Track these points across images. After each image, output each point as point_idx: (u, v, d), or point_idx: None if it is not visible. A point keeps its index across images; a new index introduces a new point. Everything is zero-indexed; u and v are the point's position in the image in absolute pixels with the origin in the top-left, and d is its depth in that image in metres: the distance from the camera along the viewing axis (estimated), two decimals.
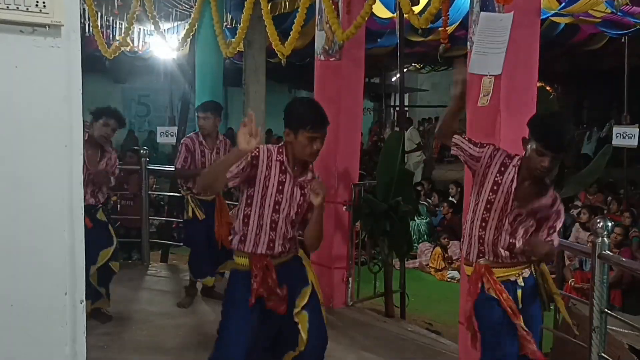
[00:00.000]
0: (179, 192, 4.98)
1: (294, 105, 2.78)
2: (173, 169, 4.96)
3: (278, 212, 2.68)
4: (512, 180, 2.63)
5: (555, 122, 2.57)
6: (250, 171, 2.63)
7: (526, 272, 2.75)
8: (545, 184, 2.66)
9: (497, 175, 2.65)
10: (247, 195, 2.70)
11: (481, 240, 2.71)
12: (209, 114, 4.57)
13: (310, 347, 2.71)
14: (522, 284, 2.72)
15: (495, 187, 2.65)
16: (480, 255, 2.73)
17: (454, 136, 2.80)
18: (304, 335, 2.69)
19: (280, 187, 2.67)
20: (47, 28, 1.83)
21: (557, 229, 2.69)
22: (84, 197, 4.12)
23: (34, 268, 1.92)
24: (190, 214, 4.60)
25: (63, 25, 1.85)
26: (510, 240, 2.67)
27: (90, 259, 4.03)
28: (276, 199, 2.67)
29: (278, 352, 2.77)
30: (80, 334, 2.01)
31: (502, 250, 2.68)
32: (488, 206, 2.67)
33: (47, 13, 1.80)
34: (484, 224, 2.69)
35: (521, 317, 2.67)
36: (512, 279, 2.71)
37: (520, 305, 2.68)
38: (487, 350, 2.71)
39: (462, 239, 2.88)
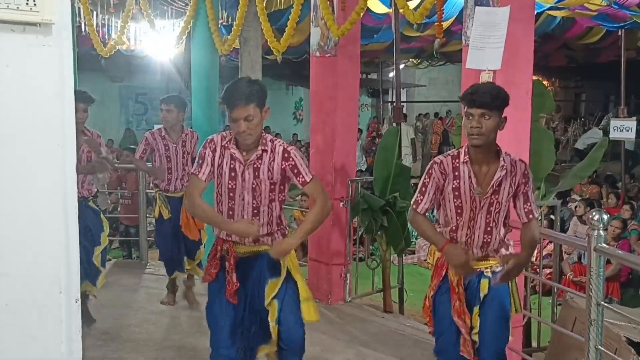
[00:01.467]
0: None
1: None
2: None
3: (233, 199, 2.65)
4: (469, 177, 2.58)
5: (478, 85, 2.59)
6: (213, 166, 2.66)
7: (497, 267, 2.69)
8: (491, 153, 2.58)
9: (454, 181, 2.60)
10: (215, 183, 2.72)
11: (454, 240, 2.68)
12: (172, 106, 4.56)
13: (284, 337, 2.67)
14: (489, 275, 2.68)
15: (456, 193, 2.60)
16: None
17: (412, 209, 2.70)
18: (272, 323, 2.65)
19: (232, 174, 2.64)
20: (38, 26, 1.83)
21: (530, 194, 2.61)
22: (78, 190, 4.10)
23: (28, 267, 1.92)
24: (157, 213, 4.64)
25: (54, 24, 1.85)
26: (485, 239, 2.63)
27: (95, 242, 4.09)
28: (229, 185, 2.64)
29: (253, 345, 2.75)
30: (76, 332, 2.01)
31: (475, 250, 2.65)
32: (458, 211, 2.62)
33: (38, 11, 1.80)
34: (454, 228, 2.65)
35: (471, 314, 2.65)
36: (479, 270, 2.67)
37: (485, 293, 2.65)
38: (437, 342, 2.83)
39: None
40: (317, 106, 4.92)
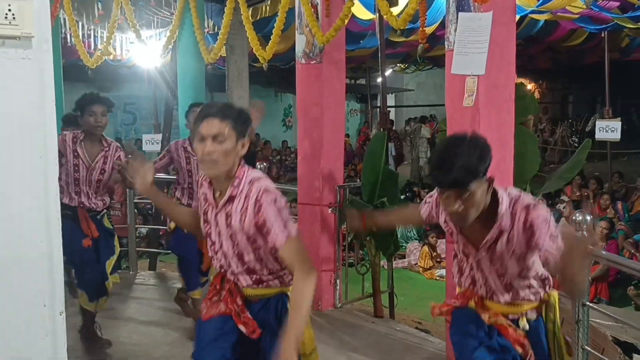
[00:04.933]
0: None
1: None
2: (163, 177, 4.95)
3: (214, 245, 2.23)
4: (457, 231, 2.22)
5: (445, 152, 2.00)
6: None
7: (532, 314, 2.25)
8: (485, 215, 2.08)
9: (444, 224, 2.28)
10: None
11: (473, 282, 2.29)
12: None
13: None
14: (527, 327, 2.23)
15: (451, 237, 2.27)
16: (473, 286, 2.29)
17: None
18: None
19: (205, 216, 2.25)
20: (18, 40, 1.83)
21: (543, 242, 2.05)
22: (89, 199, 3.84)
23: (11, 280, 1.91)
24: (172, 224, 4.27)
25: (33, 37, 1.85)
26: (507, 282, 2.18)
27: (101, 273, 3.83)
28: (205, 228, 2.26)
29: None
30: (61, 345, 2.00)
31: (501, 296, 2.22)
32: (463, 257, 2.27)
33: (17, 25, 1.80)
34: (464, 271, 2.30)
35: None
36: (511, 317, 2.24)
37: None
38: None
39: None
40: (303, 113, 4.94)
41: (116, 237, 4.07)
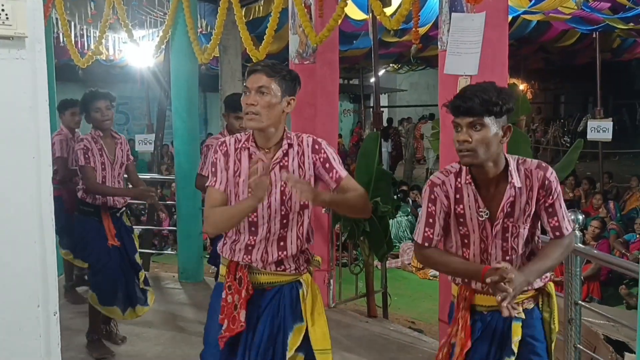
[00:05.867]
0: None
1: None
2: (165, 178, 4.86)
3: (255, 210, 2.19)
4: (475, 201, 2.09)
5: (468, 86, 2.08)
6: (226, 168, 2.25)
7: (529, 303, 2.18)
8: (498, 170, 2.08)
9: (456, 205, 2.12)
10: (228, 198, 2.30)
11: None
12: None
13: None
14: (522, 316, 2.14)
15: (461, 220, 2.12)
16: (466, 281, 2.20)
17: (421, 246, 2.19)
18: None
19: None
20: (11, 40, 1.82)
21: (557, 207, 2.07)
22: (112, 198, 3.84)
23: (4, 281, 1.90)
24: None
25: (27, 37, 1.84)
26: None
27: (133, 264, 3.94)
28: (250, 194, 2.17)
29: None
30: (55, 346, 1.99)
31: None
32: (465, 241, 2.15)
33: (10, 25, 1.79)
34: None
35: None
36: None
37: (519, 338, 2.11)
38: None
39: None
40: (296, 113, 4.93)
41: (135, 235, 4.14)
